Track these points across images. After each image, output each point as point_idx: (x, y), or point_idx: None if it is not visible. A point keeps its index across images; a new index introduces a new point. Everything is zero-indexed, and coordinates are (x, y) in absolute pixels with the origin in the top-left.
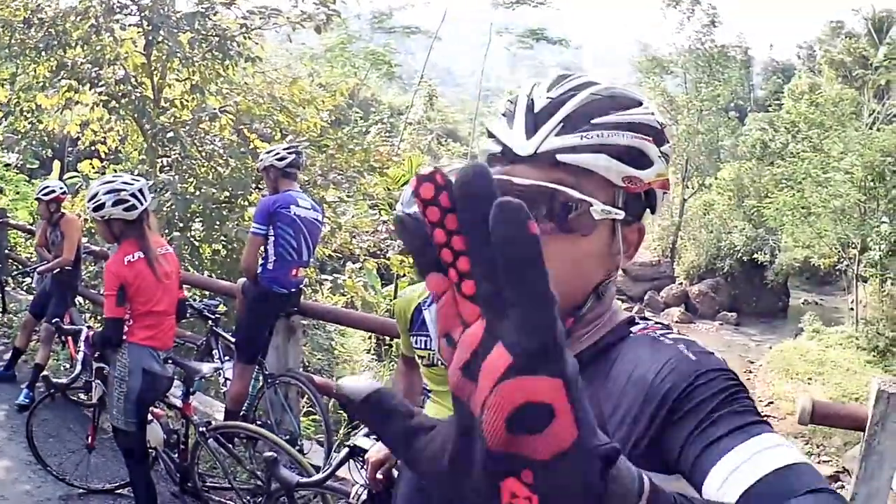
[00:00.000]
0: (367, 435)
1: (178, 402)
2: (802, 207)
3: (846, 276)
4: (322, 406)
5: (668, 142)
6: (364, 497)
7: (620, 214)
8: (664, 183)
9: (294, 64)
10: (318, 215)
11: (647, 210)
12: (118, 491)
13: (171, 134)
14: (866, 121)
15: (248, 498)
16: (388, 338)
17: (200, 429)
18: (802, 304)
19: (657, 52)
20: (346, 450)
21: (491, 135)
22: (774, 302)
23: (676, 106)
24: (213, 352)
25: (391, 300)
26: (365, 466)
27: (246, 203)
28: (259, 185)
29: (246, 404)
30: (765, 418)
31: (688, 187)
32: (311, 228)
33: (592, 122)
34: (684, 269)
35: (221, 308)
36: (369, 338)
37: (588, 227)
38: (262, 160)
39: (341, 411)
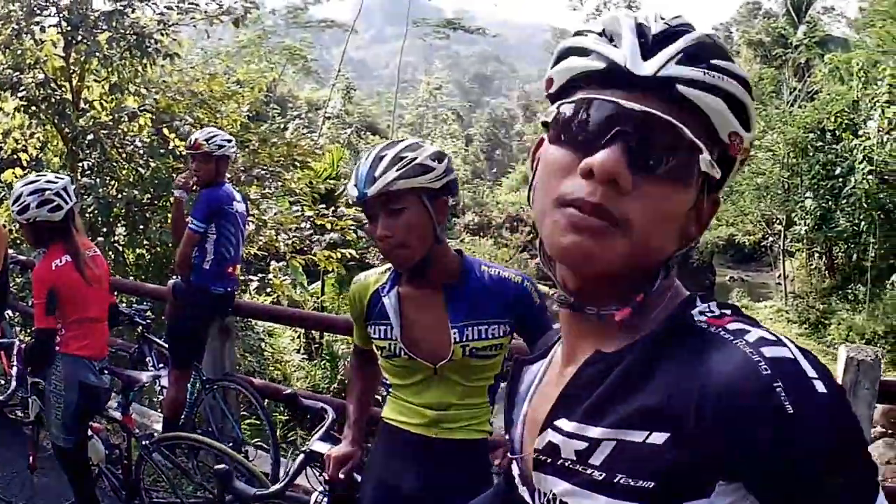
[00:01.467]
0: (322, 439)
1: (118, 415)
2: (725, 186)
3: (772, 251)
4: (264, 410)
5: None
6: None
7: (718, 173)
8: (746, 152)
9: (211, 61)
10: (244, 209)
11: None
12: None
13: (90, 136)
14: (787, 99)
15: None
16: (317, 336)
17: (143, 442)
18: (729, 281)
19: None
20: (302, 456)
21: (582, 52)
22: (700, 280)
23: None
24: (147, 359)
25: (318, 297)
26: (325, 467)
27: (168, 204)
28: None
29: (185, 412)
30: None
31: None
32: (244, 223)
33: (712, 62)
34: None
35: (150, 313)
36: (298, 337)
37: (691, 178)
38: (220, 147)
39: (281, 413)
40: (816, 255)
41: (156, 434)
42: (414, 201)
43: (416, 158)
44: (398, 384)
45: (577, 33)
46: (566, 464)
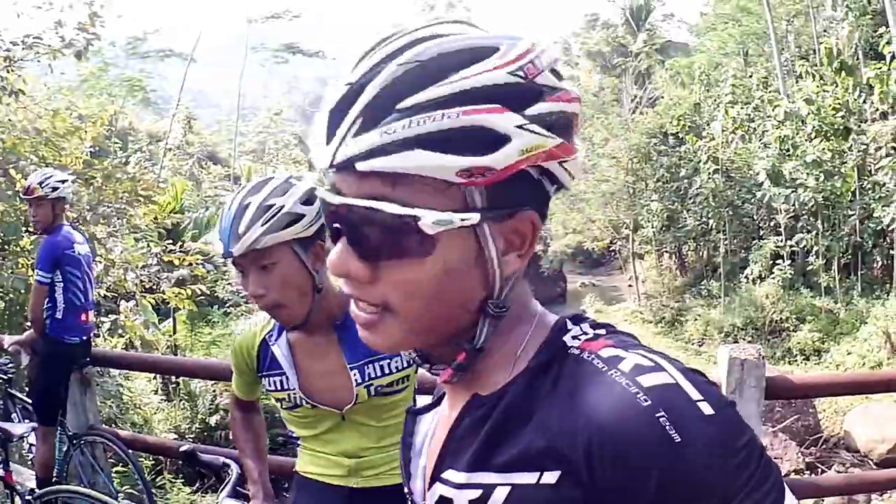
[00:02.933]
0: (230, 496)
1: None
2: (571, 195)
3: (621, 255)
4: (135, 462)
5: (551, 94)
6: None
7: (471, 218)
8: (552, 153)
9: (54, 96)
10: (89, 248)
11: (551, 189)
12: None
13: None
14: (629, 106)
15: None
16: (173, 376)
17: (26, 497)
18: (580, 287)
19: None
20: None
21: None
22: (552, 288)
23: None
24: (12, 415)
25: (170, 336)
26: None
27: (18, 248)
28: (29, 229)
29: (56, 469)
30: None
31: None
32: (89, 264)
33: (399, 106)
34: None
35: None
36: (154, 378)
37: (423, 246)
38: (54, 189)
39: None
40: (666, 255)
41: (37, 490)
42: (285, 254)
43: (283, 207)
44: (306, 435)
45: None
46: None
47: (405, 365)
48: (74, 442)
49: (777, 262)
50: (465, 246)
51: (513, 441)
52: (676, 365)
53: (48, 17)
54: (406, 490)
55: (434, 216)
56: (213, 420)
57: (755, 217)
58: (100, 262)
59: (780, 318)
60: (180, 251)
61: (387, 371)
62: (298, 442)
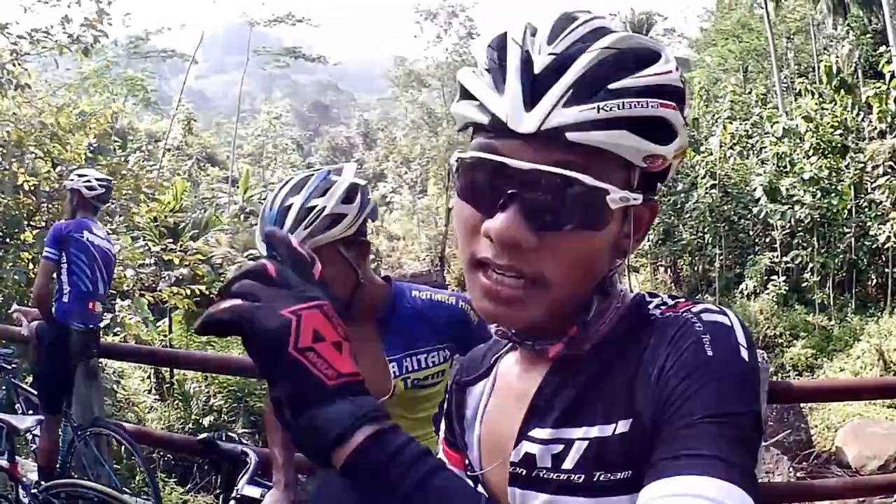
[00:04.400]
0: (251, 483)
1: (5, 463)
2: None
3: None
4: (141, 456)
5: (688, 103)
6: None
7: (639, 199)
8: (681, 156)
9: (56, 92)
10: (111, 247)
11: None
12: None
13: None
14: None
15: None
16: (167, 376)
17: (32, 490)
18: None
19: (414, 66)
20: (234, 502)
21: (469, 96)
22: None
23: (436, 118)
24: (16, 406)
25: (165, 335)
26: None
27: (19, 242)
28: (31, 223)
29: (59, 460)
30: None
31: (451, 196)
32: (105, 260)
33: (609, 87)
34: (455, 277)
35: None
36: (148, 377)
37: (603, 220)
38: (71, 181)
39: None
40: (662, 268)
41: (43, 483)
42: (330, 255)
43: (325, 209)
44: None
45: (475, 68)
46: (542, 473)
47: (441, 360)
48: (79, 434)
49: (772, 277)
50: (618, 224)
51: (596, 398)
52: (740, 320)
53: (55, 13)
54: (466, 461)
55: (619, 192)
56: (206, 421)
57: (751, 233)
58: None
59: (774, 334)
60: (180, 251)
61: (424, 365)
62: None
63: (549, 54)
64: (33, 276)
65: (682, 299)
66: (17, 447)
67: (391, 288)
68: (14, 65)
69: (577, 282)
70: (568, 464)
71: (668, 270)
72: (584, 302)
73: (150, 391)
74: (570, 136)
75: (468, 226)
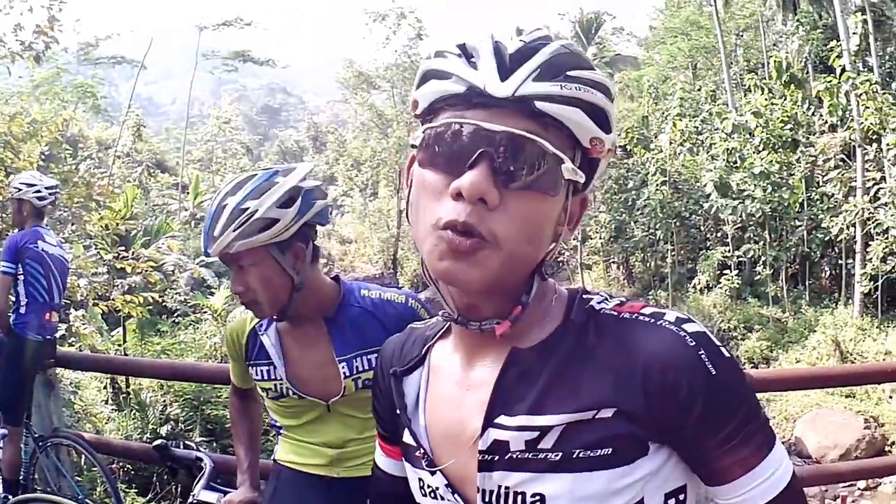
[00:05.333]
0: (207, 487)
1: None
2: None
3: (569, 266)
4: (102, 465)
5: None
6: None
7: (582, 177)
8: (611, 153)
9: (10, 100)
10: (65, 254)
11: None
12: None
13: None
14: None
15: None
16: (123, 385)
17: None
18: None
19: (363, 68)
20: None
21: (442, 75)
22: None
23: (386, 119)
24: None
25: (120, 345)
26: None
27: None
28: None
29: (22, 472)
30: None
31: (402, 198)
32: (60, 267)
33: (568, 73)
34: (408, 279)
35: None
36: (105, 388)
37: (555, 187)
38: (18, 191)
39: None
40: (614, 265)
41: (10, 497)
42: (262, 256)
43: (256, 212)
44: (290, 425)
45: (437, 54)
46: (515, 455)
47: None
48: (40, 444)
49: (724, 272)
50: (561, 203)
51: (568, 387)
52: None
53: (6, 21)
54: (419, 452)
55: (570, 164)
56: (163, 430)
57: (702, 228)
58: None
59: (729, 327)
60: (132, 258)
61: (374, 364)
62: (280, 430)
63: (519, 41)
64: None
65: (625, 298)
66: None
67: (340, 288)
68: None
69: (525, 245)
70: (545, 444)
71: (621, 267)
72: (526, 281)
73: (107, 401)
74: (539, 104)
75: (433, 192)
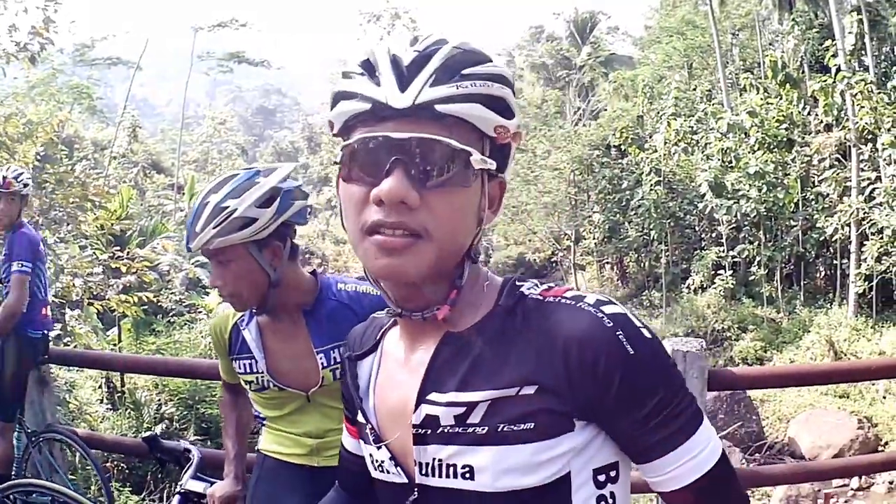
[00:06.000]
0: (195, 477)
1: None
2: (513, 206)
3: (562, 266)
4: (94, 460)
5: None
6: None
7: (493, 164)
8: (518, 136)
9: (5, 101)
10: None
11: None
12: None
13: None
14: (572, 118)
15: None
16: (118, 384)
17: None
18: None
19: None
20: (178, 497)
21: (349, 95)
22: None
23: None
24: None
25: (115, 344)
26: None
27: None
28: None
29: (14, 468)
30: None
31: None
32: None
33: (462, 73)
34: None
35: None
36: (100, 387)
37: (468, 179)
38: (25, 186)
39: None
40: (608, 266)
41: None
42: (239, 254)
43: (235, 211)
44: (272, 416)
45: (344, 75)
46: (446, 430)
47: None
48: (33, 440)
49: (719, 272)
50: (479, 191)
51: (493, 365)
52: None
53: (2, 21)
54: (368, 427)
55: (478, 156)
56: (158, 429)
57: (697, 228)
58: (49, 267)
59: (723, 328)
60: (127, 258)
61: None
62: (263, 422)
63: (414, 51)
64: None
65: (553, 285)
66: None
67: (317, 282)
68: None
69: (453, 235)
70: (472, 419)
71: (615, 268)
72: (457, 267)
73: (101, 400)
74: (439, 108)
75: (357, 201)
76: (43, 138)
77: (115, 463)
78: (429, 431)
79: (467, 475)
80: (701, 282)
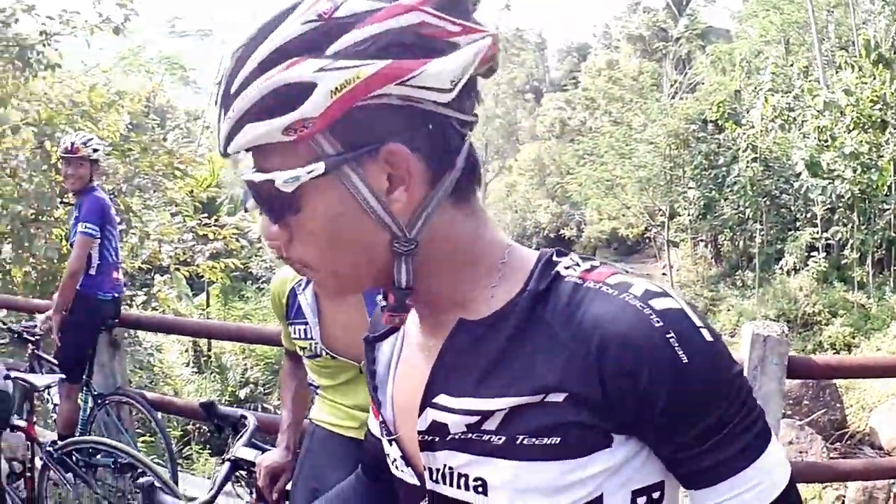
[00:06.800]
0: (248, 445)
1: (22, 423)
2: (607, 180)
3: (655, 242)
4: (159, 423)
5: (363, 21)
6: None
7: (316, 169)
8: (385, 76)
9: (91, 72)
10: None
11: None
12: None
13: None
14: (668, 91)
15: None
16: (205, 349)
17: (47, 448)
18: None
19: None
20: (229, 464)
21: None
22: None
23: None
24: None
25: (203, 310)
26: (255, 476)
27: (52, 219)
28: (64, 200)
29: (79, 429)
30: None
31: (488, 171)
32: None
33: (232, 92)
34: None
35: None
36: (186, 351)
37: (292, 204)
38: (96, 151)
39: (175, 427)
40: (702, 243)
41: (59, 442)
42: None
43: None
44: (325, 385)
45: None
46: (458, 437)
47: None
48: (99, 402)
49: (812, 254)
50: (335, 194)
51: (515, 365)
52: (678, 296)
53: None
54: (380, 420)
55: (282, 175)
56: (242, 393)
57: (792, 208)
58: (135, 234)
59: (813, 312)
60: (215, 225)
61: None
62: (317, 391)
63: (223, 86)
64: (66, 251)
65: (598, 263)
66: (37, 418)
67: None
68: (44, 45)
69: (330, 257)
70: (488, 426)
71: (709, 245)
72: (387, 268)
73: (187, 364)
74: (228, 149)
75: None
76: (130, 107)
77: (197, 426)
78: (436, 438)
79: (480, 489)
80: (794, 263)
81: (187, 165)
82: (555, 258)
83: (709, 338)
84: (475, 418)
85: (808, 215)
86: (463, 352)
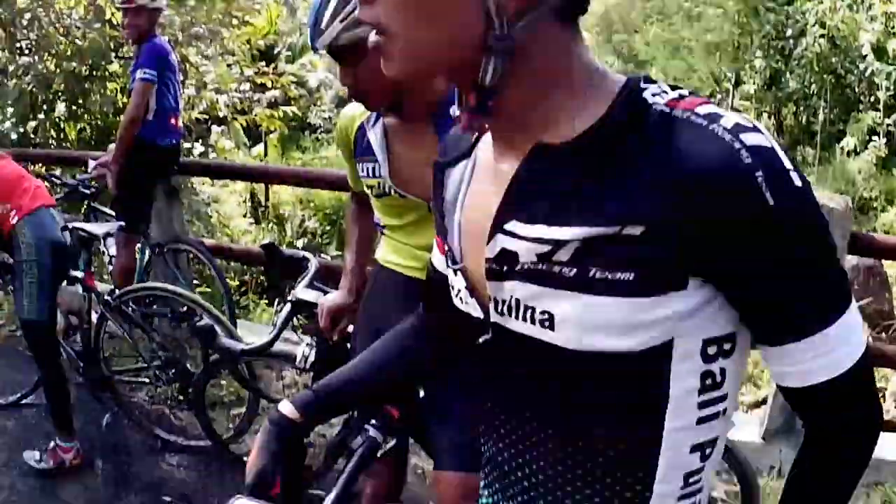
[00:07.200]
0: (308, 286)
1: (79, 274)
2: (674, 42)
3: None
4: (217, 269)
5: None
6: (312, 358)
7: None
8: None
9: None
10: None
11: None
12: (23, 402)
13: (28, 15)
14: None
15: (163, 375)
16: (262, 199)
17: (105, 297)
18: None
19: None
20: (289, 305)
21: None
22: None
23: None
24: None
25: (261, 160)
26: (318, 317)
27: (107, 74)
28: (119, 54)
29: (136, 279)
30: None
31: None
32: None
33: None
34: None
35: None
36: (244, 201)
37: None
38: (153, 0)
39: (232, 278)
40: (765, 115)
41: (117, 290)
42: (367, 50)
43: None
44: (391, 224)
45: None
46: (527, 266)
47: None
48: (157, 251)
49: (872, 138)
50: None
51: (593, 193)
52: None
53: None
54: (445, 249)
55: None
56: (300, 243)
57: (856, 89)
58: (192, 84)
59: (870, 196)
60: (273, 73)
61: None
62: (383, 230)
63: None
64: (121, 105)
65: (686, 92)
66: (94, 270)
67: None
68: None
69: (414, 27)
70: (560, 257)
71: (772, 118)
72: (469, 61)
73: (245, 215)
74: None
75: None
76: None
77: (254, 277)
78: (504, 267)
79: (546, 324)
80: (855, 145)
81: (244, 14)
82: (642, 84)
83: (798, 182)
84: (547, 247)
85: (872, 99)
86: (538, 177)
